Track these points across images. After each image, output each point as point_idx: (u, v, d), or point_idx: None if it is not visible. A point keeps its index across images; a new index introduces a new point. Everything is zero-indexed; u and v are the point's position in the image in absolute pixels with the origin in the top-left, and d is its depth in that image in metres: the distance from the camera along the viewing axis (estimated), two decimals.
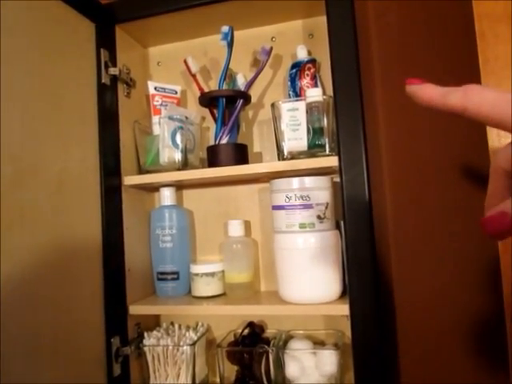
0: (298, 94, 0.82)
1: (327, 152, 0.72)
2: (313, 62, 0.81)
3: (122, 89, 0.82)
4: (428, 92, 0.24)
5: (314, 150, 0.73)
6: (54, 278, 0.63)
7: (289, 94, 0.83)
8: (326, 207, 0.71)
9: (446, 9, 0.79)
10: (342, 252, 0.73)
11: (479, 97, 0.22)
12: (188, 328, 0.84)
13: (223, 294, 0.80)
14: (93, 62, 0.76)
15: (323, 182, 0.72)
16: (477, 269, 0.74)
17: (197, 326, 0.84)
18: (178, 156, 0.78)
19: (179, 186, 0.89)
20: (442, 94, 0.24)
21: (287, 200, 0.71)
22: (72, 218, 0.68)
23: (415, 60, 0.81)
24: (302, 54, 0.81)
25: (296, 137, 0.73)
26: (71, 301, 0.66)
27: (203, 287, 0.79)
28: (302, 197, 0.70)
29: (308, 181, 0.71)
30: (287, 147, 0.73)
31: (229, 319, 0.85)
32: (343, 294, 0.72)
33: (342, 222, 0.74)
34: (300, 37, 0.86)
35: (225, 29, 0.75)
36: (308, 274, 0.70)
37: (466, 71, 0.72)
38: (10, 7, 0.58)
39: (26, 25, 0.62)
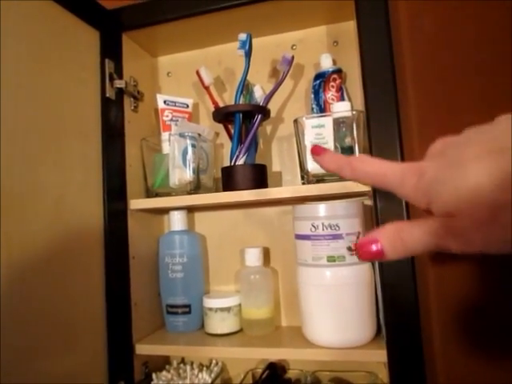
0: (322, 107, 0.73)
1: None
2: (338, 72, 0.73)
3: (128, 103, 0.75)
4: (326, 165, 0.30)
5: None
6: (52, 321, 0.56)
7: (312, 108, 0.74)
8: (358, 237, 0.63)
9: (491, 10, 0.71)
10: (375, 287, 0.65)
11: (363, 172, 0.27)
12: (201, 367, 0.75)
13: (240, 331, 0.72)
14: (96, 73, 0.69)
15: (354, 208, 0.63)
16: None
17: (210, 364, 0.76)
18: (189, 177, 0.70)
19: (191, 209, 0.81)
20: (337, 168, 0.29)
21: (313, 229, 0.62)
22: (72, 250, 0.60)
23: (453, 69, 0.73)
24: (326, 64, 0.73)
25: None
26: (72, 344, 0.59)
27: (218, 323, 0.71)
28: (330, 226, 0.62)
29: (337, 207, 0.63)
30: (312, 168, 0.65)
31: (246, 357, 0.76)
32: (377, 335, 0.64)
33: None
34: (323, 44, 0.78)
35: (242, 36, 0.67)
36: (338, 314, 0.61)
37: None
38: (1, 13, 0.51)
39: (20, 32, 0.54)
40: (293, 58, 0.71)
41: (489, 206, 0.21)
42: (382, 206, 0.58)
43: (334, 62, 0.75)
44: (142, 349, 0.69)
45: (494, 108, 0.69)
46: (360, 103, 0.73)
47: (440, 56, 0.73)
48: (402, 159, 0.60)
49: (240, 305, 0.72)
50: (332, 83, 0.73)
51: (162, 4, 0.72)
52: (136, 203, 0.72)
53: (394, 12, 0.73)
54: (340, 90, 0.73)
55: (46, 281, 0.56)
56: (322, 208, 0.63)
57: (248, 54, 0.68)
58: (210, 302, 0.72)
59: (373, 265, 0.65)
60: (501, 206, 0.20)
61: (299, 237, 0.65)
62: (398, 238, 0.24)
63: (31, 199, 0.54)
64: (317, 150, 0.30)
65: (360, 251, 0.24)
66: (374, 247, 0.24)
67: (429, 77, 0.74)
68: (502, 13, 0.70)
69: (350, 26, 0.76)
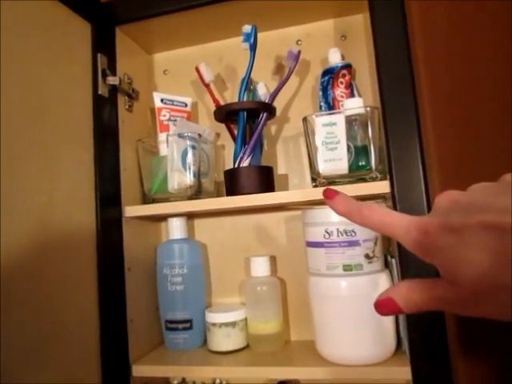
0: (330, 105, 0.69)
1: (374, 175, 0.59)
2: (348, 67, 0.69)
3: (122, 101, 0.69)
4: (337, 209, 0.29)
5: (356, 172, 0.60)
6: (40, 340, 0.50)
7: (320, 106, 0.70)
8: (376, 243, 0.58)
9: (505, 3, 0.67)
10: None
11: (370, 221, 0.27)
12: None
13: (246, 347, 0.66)
14: (88, 69, 0.63)
15: None
16: None
17: (214, 383, 0.70)
18: (190, 181, 0.65)
19: (191, 215, 0.75)
20: (348, 213, 0.29)
21: (327, 236, 0.57)
22: (61, 262, 0.55)
23: (467, 64, 0.69)
24: (335, 59, 0.69)
25: (334, 157, 0.60)
26: (62, 367, 0.53)
27: (222, 340, 0.65)
28: (346, 232, 0.57)
29: None
30: (324, 170, 0.60)
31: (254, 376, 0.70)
32: (397, 349, 0.59)
33: (391, 260, 0.61)
34: (331, 39, 0.73)
35: (247, 29, 0.62)
36: (355, 328, 0.56)
37: None
38: None
39: (3, 23, 0.49)
40: (299, 52, 0.67)
41: (489, 286, 0.21)
42: (402, 209, 0.54)
43: (343, 58, 0.70)
44: (140, 370, 0.63)
45: (507, 102, 0.66)
46: (371, 100, 0.68)
47: (453, 50, 0.70)
48: (422, 156, 0.55)
49: (246, 319, 0.67)
50: (341, 79, 0.69)
51: None
52: (131, 210, 0.66)
53: (406, 6, 0.69)
54: (350, 86, 0.69)
55: (33, 295, 0.50)
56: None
57: (253, 48, 0.63)
58: (213, 317, 0.66)
59: (391, 273, 0.60)
60: (502, 288, 0.20)
61: (311, 244, 0.60)
62: (410, 299, 0.25)
63: (15, 206, 0.48)
64: (330, 194, 0.30)
65: (379, 309, 0.26)
66: (391, 306, 0.25)
67: (442, 72, 0.70)
68: None
69: (358, 20, 0.72)
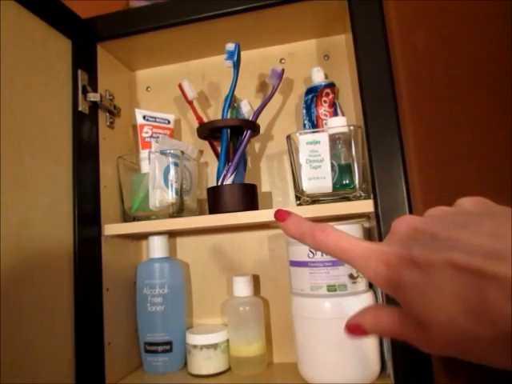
0: (314, 123, 0.69)
1: (358, 194, 0.59)
2: (331, 86, 0.69)
3: (103, 118, 0.68)
4: (289, 231, 0.28)
5: (340, 191, 0.60)
6: (10, 368, 0.47)
7: (304, 124, 0.70)
8: None
9: (482, 26, 0.69)
10: None
11: (324, 245, 0.25)
12: None
13: (228, 370, 0.64)
14: (68, 85, 0.62)
15: (354, 231, 0.58)
16: None
17: None
18: (172, 199, 0.63)
19: (172, 233, 0.74)
20: (299, 236, 0.27)
21: (311, 255, 0.57)
22: (36, 283, 0.52)
23: (446, 84, 0.70)
24: (318, 78, 0.69)
25: (318, 175, 0.60)
26: None
27: (203, 362, 0.63)
28: None
29: None
30: (308, 188, 0.60)
31: None
32: (381, 372, 0.58)
33: None
34: (314, 58, 0.74)
35: (230, 47, 0.62)
36: (339, 350, 0.55)
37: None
38: None
39: None
40: (283, 70, 0.67)
41: (463, 337, 0.19)
42: (386, 229, 0.53)
43: (326, 77, 0.71)
44: None
45: (488, 123, 0.67)
46: (354, 119, 0.69)
47: (434, 72, 0.71)
48: (405, 176, 0.55)
49: (228, 340, 0.65)
50: (324, 98, 0.69)
51: (139, 14, 0.67)
52: (111, 228, 0.64)
53: (387, 29, 0.70)
54: (333, 105, 0.69)
55: (5, 316, 0.47)
56: None
57: (236, 66, 0.63)
58: (194, 338, 0.64)
59: (375, 294, 0.59)
60: (476, 340, 0.18)
61: (295, 263, 0.59)
62: (376, 327, 0.24)
63: None
64: (281, 215, 0.28)
65: (349, 333, 0.25)
66: (359, 330, 0.25)
67: (423, 92, 0.71)
68: (493, 28, 0.69)
69: (341, 40, 0.73)
